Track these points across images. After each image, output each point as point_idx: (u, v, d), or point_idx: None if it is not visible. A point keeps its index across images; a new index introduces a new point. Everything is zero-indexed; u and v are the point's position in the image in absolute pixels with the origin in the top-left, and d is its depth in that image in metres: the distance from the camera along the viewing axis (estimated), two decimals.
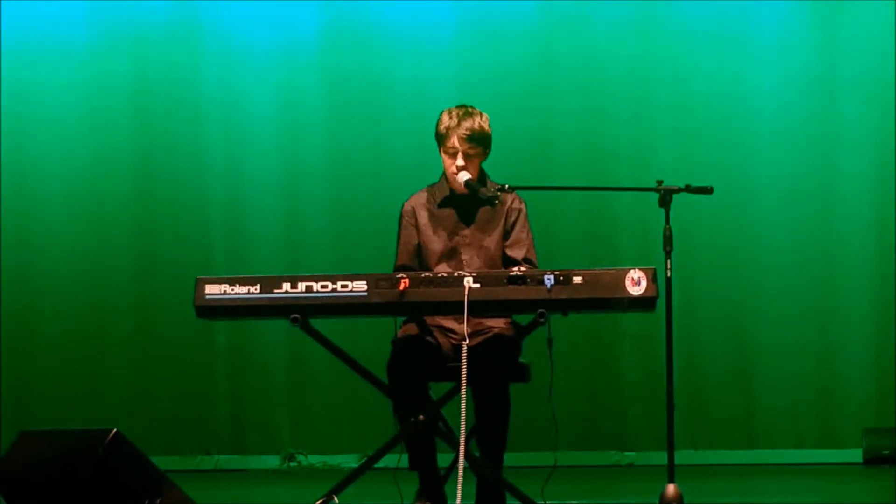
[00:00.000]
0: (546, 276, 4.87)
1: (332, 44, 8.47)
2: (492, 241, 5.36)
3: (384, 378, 5.16)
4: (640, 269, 4.87)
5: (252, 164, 8.48)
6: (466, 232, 5.38)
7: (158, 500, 4.80)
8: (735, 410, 8.20)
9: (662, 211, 5.21)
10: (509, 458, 5.26)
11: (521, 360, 5.27)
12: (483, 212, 5.38)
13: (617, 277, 4.86)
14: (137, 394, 8.43)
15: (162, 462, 5.24)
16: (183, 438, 8.40)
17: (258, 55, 8.47)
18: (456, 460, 4.91)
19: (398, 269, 5.34)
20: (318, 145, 8.47)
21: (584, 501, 6.19)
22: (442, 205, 5.41)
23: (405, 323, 5.29)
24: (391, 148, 8.37)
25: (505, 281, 4.89)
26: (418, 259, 5.40)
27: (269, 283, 4.98)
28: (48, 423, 8.05)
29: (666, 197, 5.20)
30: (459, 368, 4.84)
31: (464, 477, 4.76)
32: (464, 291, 4.86)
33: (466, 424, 4.78)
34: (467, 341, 4.87)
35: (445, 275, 4.92)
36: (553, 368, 5.03)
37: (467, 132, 5.28)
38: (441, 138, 5.34)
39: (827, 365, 8.18)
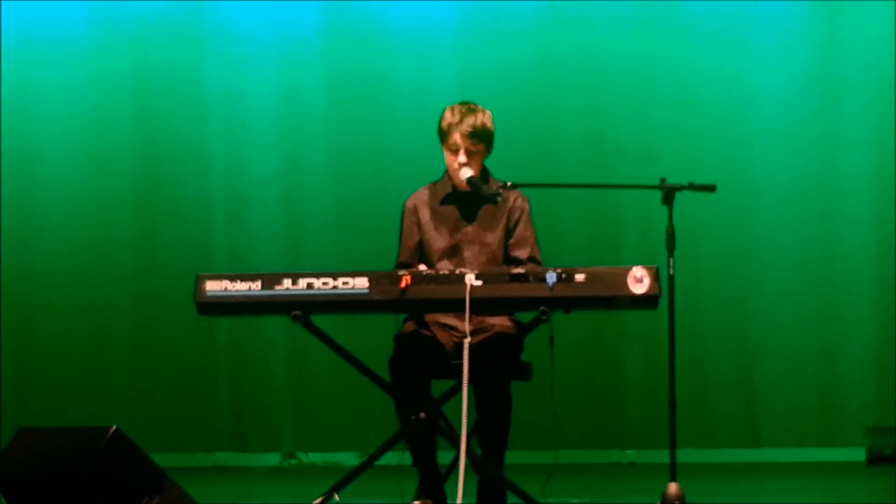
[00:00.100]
0: (548, 274, 4.86)
1: (333, 42, 8.46)
2: (494, 238, 5.34)
3: (385, 375, 5.15)
4: (642, 266, 4.86)
5: (253, 161, 8.47)
6: (468, 229, 5.36)
7: (158, 498, 4.79)
8: (737, 409, 8.19)
9: (665, 209, 5.19)
10: (510, 457, 5.25)
11: (523, 358, 5.26)
12: (485, 209, 5.36)
13: (619, 275, 4.85)
14: (138, 391, 8.41)
15: (162, 459, 5.21)
16: (183, 436, 8.39)
17: (259, 53, 8.46)
18: (457, 458, 4.89)
19: (399, 266, 5.33)
20: (320, 143, 8.45)
21: (585, 500, 6.18)
22: (444, 202, 5.40)
23: (406, 321, 5.28)
24: (392, 146, 8.35)
25: (507, 278, 4.87)
26: (420, 256, 5.38)
27: (271, 280, 4.96)
28: (48, 421, 8.05)
29: (669, 195, 5.20)
30: (461, 366, 4.82)
31: (465, 475, 4.74)
32: (465, 289, 4.85)
33: (468, 422, 4.77)
34: (469, 339, 4.86)
35: (447, 272, 4.91)
36: (555, 367, 5.01)
37: (470, 129, 5.27)
38: (443, 135, 5.33)
39: (829, 363, 8.17)
